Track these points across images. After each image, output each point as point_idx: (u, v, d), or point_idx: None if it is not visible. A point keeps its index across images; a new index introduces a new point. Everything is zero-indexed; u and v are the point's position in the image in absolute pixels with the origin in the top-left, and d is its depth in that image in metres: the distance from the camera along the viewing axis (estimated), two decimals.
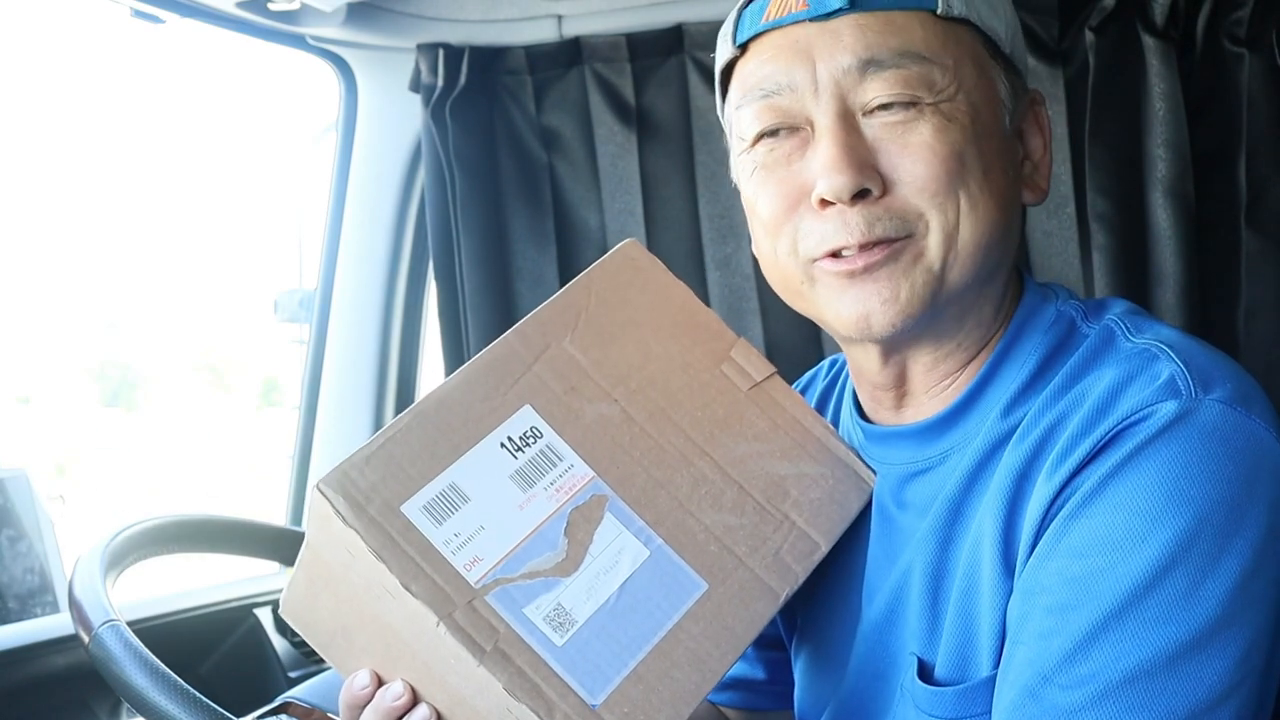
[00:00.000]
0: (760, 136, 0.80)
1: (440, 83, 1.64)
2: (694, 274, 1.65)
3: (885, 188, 0.76)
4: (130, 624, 0.96)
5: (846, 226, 0.76)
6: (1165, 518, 0.66)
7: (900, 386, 0.84)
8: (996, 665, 0.74)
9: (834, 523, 0.84)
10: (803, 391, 1.02)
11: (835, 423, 0.95)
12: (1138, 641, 0.66)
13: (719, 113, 0.89)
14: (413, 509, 0.73)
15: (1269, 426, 0.70)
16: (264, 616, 1.59)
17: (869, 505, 0.87)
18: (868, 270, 0.76)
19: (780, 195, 0.79)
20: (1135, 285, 1.38)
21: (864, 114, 0.76)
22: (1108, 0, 1.36)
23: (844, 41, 0.76)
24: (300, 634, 0.83)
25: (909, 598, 0.81)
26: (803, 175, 0.78)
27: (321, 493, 0.72)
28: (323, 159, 1.83)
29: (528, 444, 0.78)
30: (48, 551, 1.37)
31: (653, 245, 1.65)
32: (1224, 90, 1.33)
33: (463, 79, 1.64)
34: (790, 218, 0.79)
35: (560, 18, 1.63)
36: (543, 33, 1.65)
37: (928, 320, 0.78)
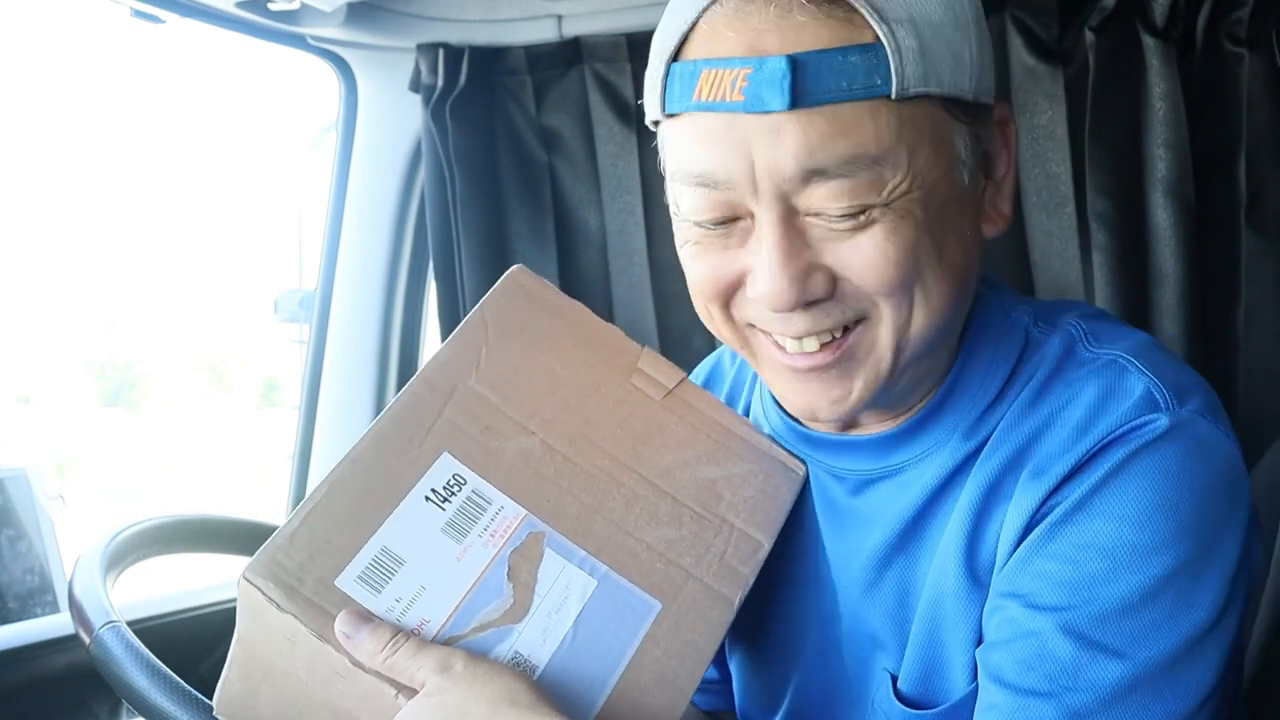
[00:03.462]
0: (700, 223, 0.74)
1: (440, 83, 1.64)
2: None
3: (834, 285, 0.71)
4: (130, 624, 0.96)
5: (789, 323, 0.72)
6: (1157, 527, 0.67)
7: (848, 428, 0.82)
8: (972, 681, 0.74)
9: (772, 518, 0.82)
10: (708, 383, 0.99)
11: (748, 415, 0.92)
12: (1139, 647, 0.67)
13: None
14: (348, 582, 0.71)
15: (1230, 434, 0.72)
16: None
17: (809, 503, 0.86)
18: (814, 371, 0.74)
19: (716, 277, 0.75)
20: (1135, 285, 1.38)
21: (808, 215, 0.70)
22: (1108, 0, 1.36)
23: (785, 143, 0.67)
24: None
25: (875, 608, 0.80)
26: (742, 263, 0.73)
27: (250, 582, 0.69)
28: (323, 159, 1.83)
29: (453, 493, 0.76)
30: (48, 551, 1.37)
31: (653, 245, 1.66)
32: (1224, 90, 1.33)
33: (463, 79, 1.64)
34: (726, 294, 0.75)
35: (560, 18, 1.63)
36: (543, 33, 1.65)
37: (880, 401, 0.77)
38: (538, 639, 0.72)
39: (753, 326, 0.76)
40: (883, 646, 0.80)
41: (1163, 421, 0.69)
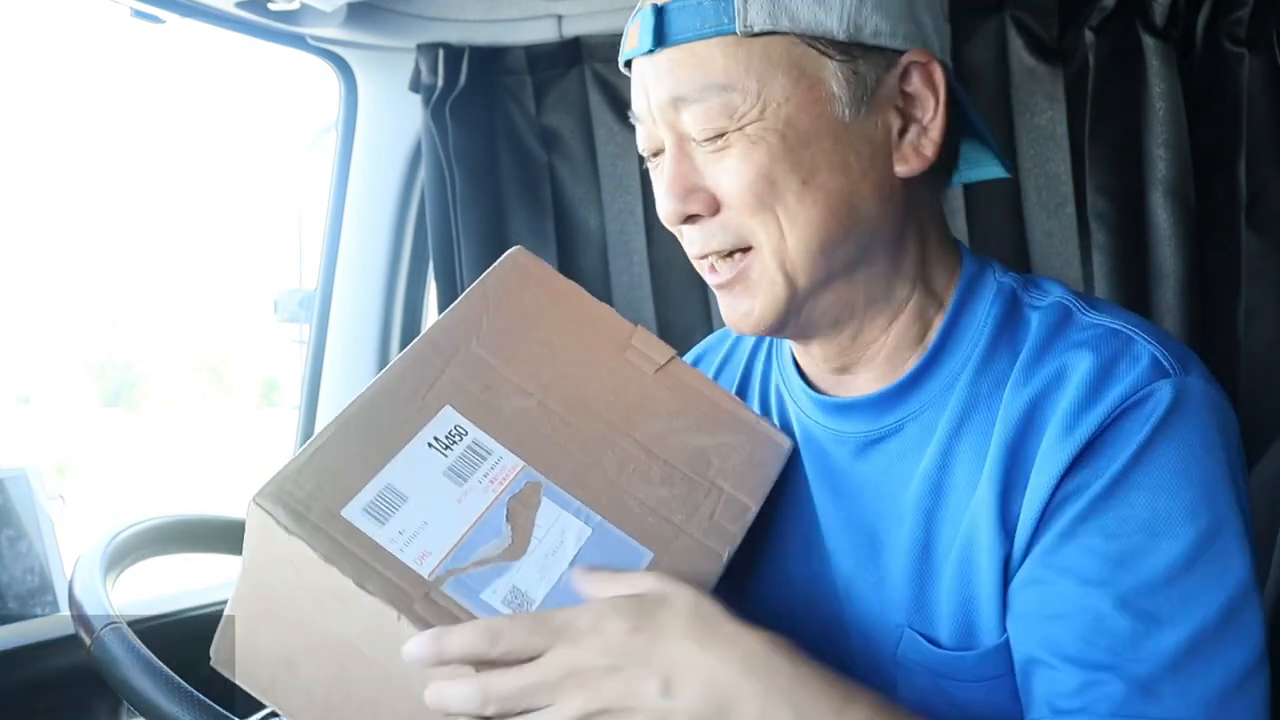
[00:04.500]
0: (644, 157, 0.87)
1: (440, 83, 1.64)
2: (694, 274, 1.63)
3: (717, 208, 0.81)
4: (130, 624, 0.96)
5: (691, 241, 0.84)
6: (1188, 493, 0.73)
7: (836, 359, 0.88)
8: (1002, 630, 0.78)
9: (758, 484, 0.86)
10: (698, 361, 1.06)
11: (766, 387, 0.97)
12: (1191, 611, 0.71)
13: None
14: (353, 512, 0.73)
15: (1226, 396, 0.78)
16: None
17: (802, 475, 0.90)
18: (723, 287, 0.84)
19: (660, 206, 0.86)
20: (1135, 285, 1.38)
21: (692, 141, 0.81)
22: (1108, 0, 1.36)
23: (661, 78, 0.81)
24: (238, 682, 0.80)
25: (889, 566, 0.83)
26: None
27: (259, 506, 0.71)
28: (323, 159, 1.83)
29: (454, 442, 0.79)
30: (48, 551, 1.37)
31: (653, 245, 1.66)
32: (1224, 90, 1.33)
33: (463, 79, 1.64)
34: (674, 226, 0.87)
35: (560, 18, 1.63)
36: (543, 33, 1.65)
37: (795, 321, 0.84)
38: (535, 576, 0.75)
39: (697, 260, 0.86)
40: (897, 604, 0.82)
41: (1177, 386, 0.74)
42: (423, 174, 1.72)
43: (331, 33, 1.60)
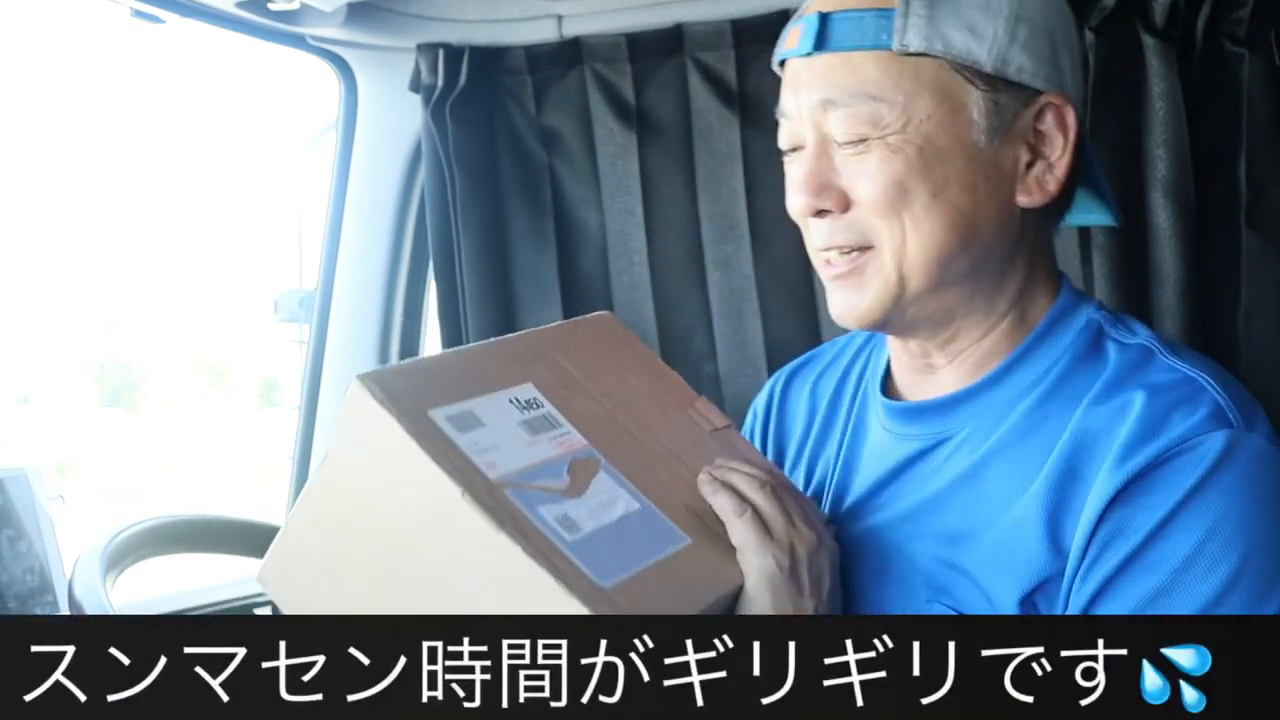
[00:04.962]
0: (784, 152, 0.92)
1: (440, 83, 1.64)
2: (694, 274, 1.65)
3: (847, 206, 0.87)
4: None
5: (816, 234, 0.90)
6: (1226, 544, 0.76)
7: (925, 357, 0.94)
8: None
9: None
10: (807, 363, 1.12)
11: (856, 395, 1.02)
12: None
13: None
14: (439, 416, 0.79)
15: None
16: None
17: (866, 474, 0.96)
18: (837, 279, 0.90)
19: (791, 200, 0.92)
20: (1135, 285, 1.38)
21: (834, 142, 0.87)
22: (1107, 0, 1.36)
23: (816, 80, 0.87)
24: (275, 599, 0.86)
25: (917, 559, 0.88)
26: None
27: (361, 382, 0.77)
28: (323, 159, 1.83)
29: (531, 408, 0.86)
30: (48, 551, 1.37)
31: (652, 246, 1.66)
32: (1224, 90, 1.33)
33: (463, 79, 1.64)
34: (803, 220, 0.92)
35: (560, 18, 1.63)
36: (543, 33, 1.65)
37: (898, 319, 0.90)
38: (586, 515, 0.81)
39: (816, 252, 0.92)
40: (942, 591, 0.87)
41: (1232, 438, 0.78)
42: (423, 174, 1.72)
43: (331, 33, 1.60)
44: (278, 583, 0.84)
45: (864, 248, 0.88)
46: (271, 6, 1.48)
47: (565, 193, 1.71)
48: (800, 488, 1.01)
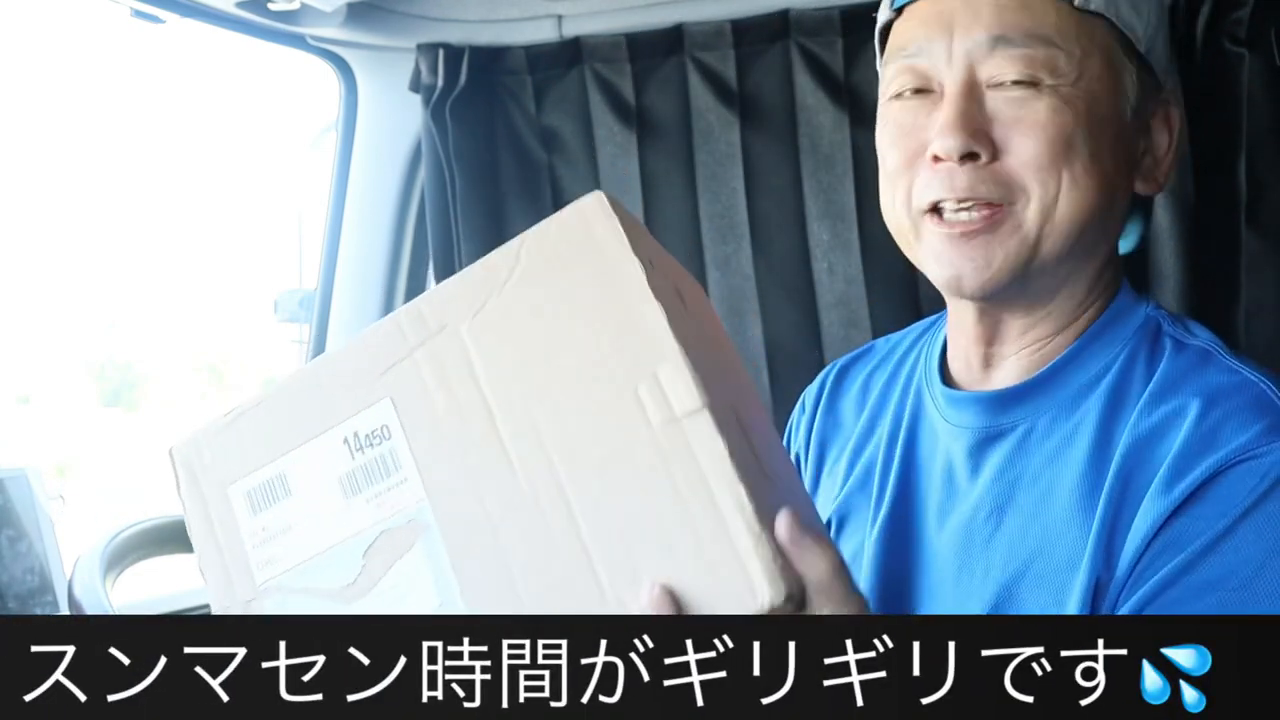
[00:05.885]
0: (898, 94, 0.86)
1: (440, 83, 1.64)
2: (694, 274, 1.64)
3: (995, 155, 0.81)
4: None
5: (951, 182, 0.82)
6: None
7: (991, 345, 0.89)
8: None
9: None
10: (854, 360, 1.06)
11: (910, 383, 0.97)
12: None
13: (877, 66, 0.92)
14: (237, 493, 0.73)
15: None
16: None
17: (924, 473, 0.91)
18: (965, 235, 0.82)
19: (903, 149, 0.85)
20: (1135, 285, 1.36)
21: (989, 86, 0.82)
22: None
23: (981, 18, 0.82)
24: None
25: (972, 562, 0.85)
26: (925, 133, 0.83)
27: (170, 456, 0.75)
28: (323, 159, 1.83)
29: (370, 445, 0.70)
30: (48, 551, 1.37)
31: None
32: (1224, 90, 1.33)
33: (463, 79, 1.64)
34: (908, 171, 0.85)
35: (560, 18, 1.63)
36: (543, 33, 1.65)
37: (1019, 287, 0.83)
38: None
39: (923, 213, 0.84)
40: (974, 592, 0.84)
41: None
42: (423, 174, 1.72)
43: (331, 33, 1.60)
44: None
45: (999, 204, 0.81)
46: (271, 6, 1.48)
47: (565, 193, 1.71)
48: (849, 472, 0.98)
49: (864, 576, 0.92)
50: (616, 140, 1.66)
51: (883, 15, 0.91)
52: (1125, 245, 0.96)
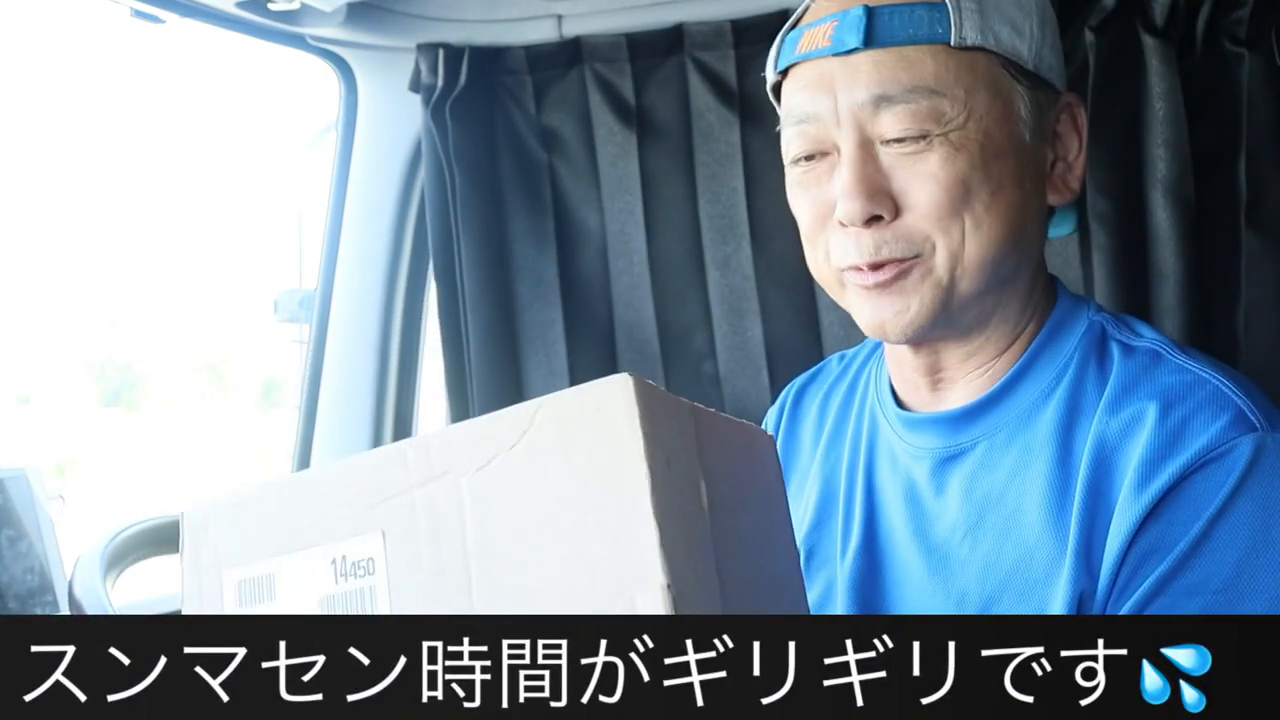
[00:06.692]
0: (796, 160, 0.88)
1: (440, 83, 1.64)
2: (694, 274, 1.65)
3: (897, 212, 0.83)
4: None
5: (859, 247, 0.84)
6: (1270, 553, 0.74)
7: (936, 373, 0.91)
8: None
9: None
10: (810, 381, 1.08)
11: (864, 405, 0.99)
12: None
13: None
14: (230, 580, 0.73)
15: None
16: None
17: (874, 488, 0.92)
18: (880, 288, 0.84)
19: (812, 212, 0.87)
20: (1135, 285, 1.38)
21: (882, 143, 0.83)
22: (1108, 0, 1.36)
23: (860, 77, 0.82)
24: None
25: (957, 585, 0.84)
26: (830, 194, 0.85)
27: (181, 520, 0.74)
28: (323, 159, 1.83)
29: (355, 574, 0.69)
30: (48, 551, 1.37)
31: (652, 246, 1.66)
32: (1224, 90, 1.33)
33: (463, 79, 1.64)
34: (822, 231, 0.87)
35: (560, 18, 1.63)
36: (543, 33, 1.65)
37: (944, 326, 0.86)
38: None
39: (842, 270, 0.87)
40: (954, 612, 0.84)
41: (1259, 442, 0.75)
42: (423, 174, 1.72)
43: (331, 33, 1.60)
44: None
45: (909, 257, 0.83)
46: (271, 6, 1.48)
47: (565, 193, 1.71)
48: (811, 502, 0.98)
49: (840, 607, 0.92)
50: (616, 140, 1.66)
51: (770, 76, 0.92)
52: (1060, 231, 0.98)
